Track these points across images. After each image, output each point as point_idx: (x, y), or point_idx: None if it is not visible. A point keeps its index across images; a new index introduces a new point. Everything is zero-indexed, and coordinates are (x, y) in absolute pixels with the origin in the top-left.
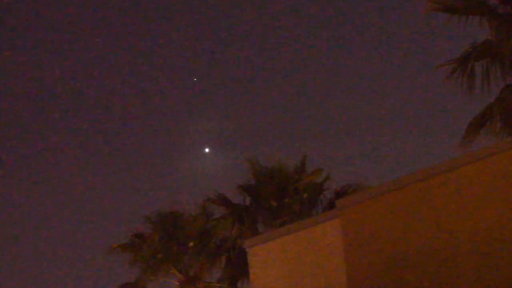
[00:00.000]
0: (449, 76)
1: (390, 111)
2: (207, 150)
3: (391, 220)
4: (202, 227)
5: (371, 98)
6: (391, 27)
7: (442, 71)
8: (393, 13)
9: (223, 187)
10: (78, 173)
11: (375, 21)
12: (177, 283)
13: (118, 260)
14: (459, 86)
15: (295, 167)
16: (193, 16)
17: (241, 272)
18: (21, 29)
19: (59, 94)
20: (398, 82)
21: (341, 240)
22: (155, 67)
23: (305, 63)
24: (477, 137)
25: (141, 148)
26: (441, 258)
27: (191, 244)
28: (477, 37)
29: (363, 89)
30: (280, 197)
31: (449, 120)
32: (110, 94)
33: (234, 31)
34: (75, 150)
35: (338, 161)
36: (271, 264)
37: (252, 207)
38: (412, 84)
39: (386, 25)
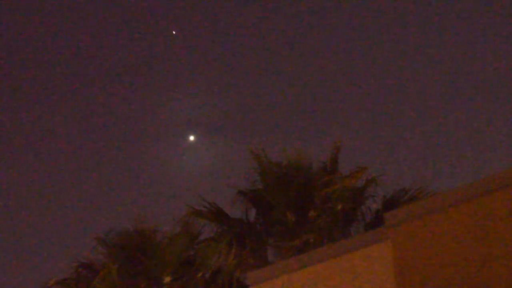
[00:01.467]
0: None
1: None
2: (191, 137)
3: (467, 242)
4: (183, 253)
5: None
6: None
7: None
8: None
9: (215, 193)
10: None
11: None
12: None
13: None
14: None
15: (322, 165)
16: None
17: None
18: None
19: None
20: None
21: (392, 270)
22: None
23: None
24: None
25: (93, 140)
26: None
27: (167, 279)
28: None
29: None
30: (300, 208)
31: None
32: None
33: None
34: None
35: (386, 157)
36: None
37: (259, 222)
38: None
39: None
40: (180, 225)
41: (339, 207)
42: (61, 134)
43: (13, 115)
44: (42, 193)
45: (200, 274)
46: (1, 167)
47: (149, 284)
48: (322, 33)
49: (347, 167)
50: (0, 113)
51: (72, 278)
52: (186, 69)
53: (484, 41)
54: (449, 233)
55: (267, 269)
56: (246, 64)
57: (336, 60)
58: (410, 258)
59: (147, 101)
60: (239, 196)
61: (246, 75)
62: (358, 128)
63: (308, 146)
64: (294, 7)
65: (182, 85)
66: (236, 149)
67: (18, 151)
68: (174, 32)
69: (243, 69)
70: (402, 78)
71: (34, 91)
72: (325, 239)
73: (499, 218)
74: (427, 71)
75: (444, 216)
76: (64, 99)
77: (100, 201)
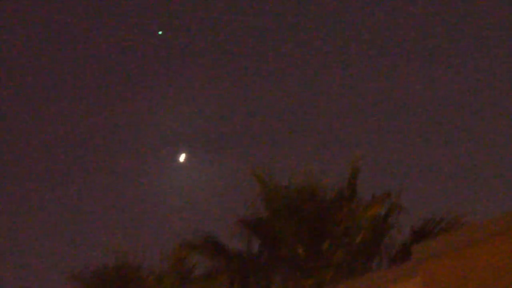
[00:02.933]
0: None
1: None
2: (182, 157)
3: (507, 277)
4: None
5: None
6: None
7: None
8: None
9: (211, 223)
10: None
11: None
12: None
13: None
14: None
15: (339, 190)
16: None
17: None
18: None
19: None
20: None
21: None
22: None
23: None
24: None
25: (66, 161)
26: None
27: None
28: None
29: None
30: (313, 241)
31: None
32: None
33: None
34: None
35: (413, 183)
36: None
37: (263, 257)
38: None
39: None
40: (169, 260)
41: (359, 238)
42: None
43: None
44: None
45: None
46: None
47: None
48: (338, 41)
49: (367, 192)
50: None
51: None
52: (174, 73)
53: None
54: (486, 268)
55: None
56: (246, 67)
57: (357, 70)
58: None
59: (129, 113)
60: (239, 225)
61: (245, 80)
62: (381, 148)
63: (322, 168)
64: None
65: (170, 93)
66: (235, 170)
67: None
68: (160, 32)
69: (242, 74)
70: (437, 97)
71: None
72: (342, 277)
73: None
74: (464, 94)
75: (480, 250)
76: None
77: (74, 231)
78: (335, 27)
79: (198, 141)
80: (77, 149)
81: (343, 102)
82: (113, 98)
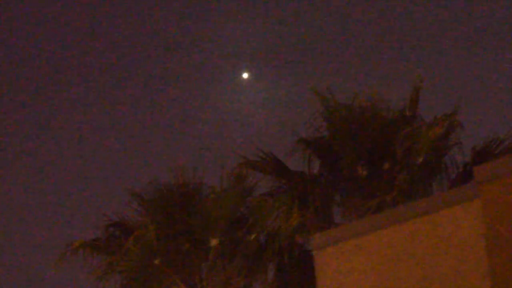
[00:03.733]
0: None
1: None
2: (245, 75)
3: None
4: (234, 211)
5: None
6: None
7: None
8: None
9: (272, 142)
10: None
11: None
12: None
13: (82, 267)
14: None
15: (400, 110)
16: None
17: None
18: None
19: None
20: None
21: (482, 233)
22: None
23: None
24: None
25: (132, 75)
26: None
27: (214, 241)
28: None
29: None
30: (374, 161)
31: None
32: None
33: None
34: None
35: (476, 102)
36: (359, 276)
37: (324, 177)
38: None
39: None
40: (230, 178)
41: (420, 160)
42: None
43: None
44: (67, 138)
45: (253, 236)
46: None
47: (193, 247)
48: None
49: (429, 113)
50: None
51: (101, 238)
52: None
53: None
54: None
55: (333, 231)
56: None
57: None
58: (504, 219)
59: (191, 32)
60: (300, 145)
61: None
62: (443, 65)
63: (383, 87)
64: None
65: (232, 9)
66: (298, 90)
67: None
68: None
69: None
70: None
71: None
72: (403, 198)
73: None
74: None
75: None
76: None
77: (136, 149)
78: None
79: (262, 59)
80: (147, 67)
81: (404, 21)
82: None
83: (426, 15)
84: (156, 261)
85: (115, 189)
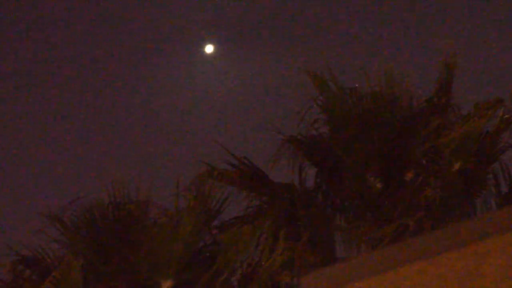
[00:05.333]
0: None
1: None
2: (208, 48)
3: None
4: (194, 242)
5: None
6: None
7: None
8: None
9: (248, 142)
10: None
11: None
12: None
13: None
14: None
15: (427, 96)
16: None
17: None
18: None
19: None
20: None
21: None
22: None
23: None
24: None
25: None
26: None
27: (165, 285)
28: None
29: None
30: (392, 169)
31: None
32: None
33: None
34: None
35: None
36: None
37: (322, 192)
38: None
39: None
40: (189, 195)
41: (456, 165)
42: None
43: None
44: None
45: (222, 278)
46: None
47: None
48: None
49: (467, 100)
50: None
51: (5, 281)
52: None
53: None
54: None
55: (335, 269)
56: None
57: None
58: None
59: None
60: (288, 146)
61: None
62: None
63: (402, 65)
64: None
65: None
66: (281, 67)
67: None
68: None
69: None
70: None
71: None
72: (432, 220)
73: None
74: None
75: None
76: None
77: (56, 155)
78: None
79: (232, 27)
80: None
81: None
82: None
83: None
84: None
85: (25, 212)
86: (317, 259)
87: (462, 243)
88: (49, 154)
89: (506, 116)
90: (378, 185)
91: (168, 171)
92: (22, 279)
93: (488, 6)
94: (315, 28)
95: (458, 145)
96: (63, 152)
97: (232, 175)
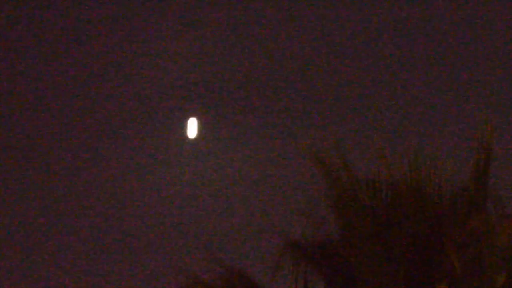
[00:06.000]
0: None
1: None
2: (191, 131)
3: None
4: None
5: None
6: None
7: None
8: None
9: (239, 246)
10: None
11: None
12: None
13: None
14: None
15: (460, 187)
16: None
17: None
18: None
19: None
20: None
21: None
22: None
23: None
24: None
25: None
26: None
27: None
28: None
29: None
30: (419, 282)
31: None
32: None
33: None
34: None
35: None
36: None
37: None
38: None
39: None
40: None
41: (501, 280)
42: None
43: None
44: None
45: None
46: None
47: None
48: None
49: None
50: None
51: None
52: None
53: None
54: None
55: None
56: None
57: None
58: None
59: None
60: (290, 253)
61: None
62: None
63: (430, 147)
64: None
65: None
66: (280, 151)
67: None
68: None
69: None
70: None
71: None
72: None
73: None
74: None
75: None
76: None
77: None
78: None
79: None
80: None
81: None
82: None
83: None
84: None
85: None
86: None
87: None
88: None
89: None
90: None
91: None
92: None
93: None
94: (322, 103)
95: (504, 254)
96: None
97: None
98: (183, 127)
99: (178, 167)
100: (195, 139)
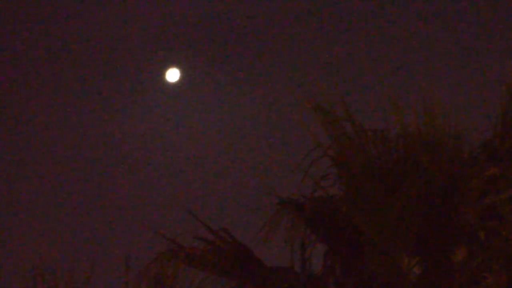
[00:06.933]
0: None
1: None
2: (171, 75)
3: None
4: None
5: None
6: None
7: None
8: None
9: (227, 206)
10: None
11: None
12: None
13: None
14: None
15: (483, 141)
16: None
17: None
18: None
19: None
20: None
21: None
22: None
23: None
24: None
25: None
26: None
27: None
28: None
29: None
30: (436, 246)
31: None
32: None
33: None
34: None
35: None
36: None
37: (334, 277)
38: None
39: None
40: (144, 283)
41: None
42: None
43: None
44: None
45: None
46: None
47: None
48: None
49: None
50: None
51: None
52: None
53: None
54: None
55: None
56: None
57: None
58: None
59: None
60: (284, 213)
61: None
62: None
63: (445, 97)
64: None
65: None
66: (276, 99)
67: None
68: None
69: None
70: None
71: None
72: None
73: None
74: None
75: None
76: None
77: None
78: None
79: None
80: None
81: None
82: None
83: None
84: None
85: None
86: None
87: None
88: None
89: None
90: (416, 269)
91: (116, 249)
92: None
93: None
94: (322, 46)
95: None
96: None
97: (205, 255)
98: (164, 73)
99: (158, 114)
100: (176, 84)
